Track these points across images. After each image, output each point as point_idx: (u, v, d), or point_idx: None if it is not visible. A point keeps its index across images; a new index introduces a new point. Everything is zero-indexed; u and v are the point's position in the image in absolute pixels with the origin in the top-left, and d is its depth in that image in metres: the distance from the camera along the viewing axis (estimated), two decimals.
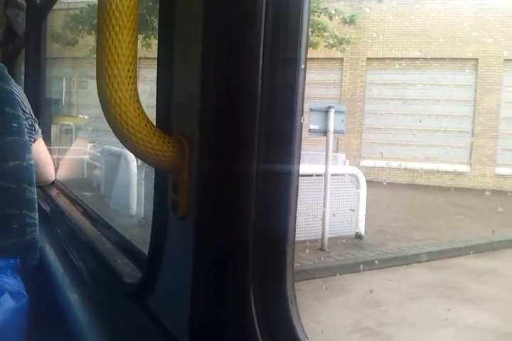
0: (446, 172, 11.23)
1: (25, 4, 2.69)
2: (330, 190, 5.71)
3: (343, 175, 6.12)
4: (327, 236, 5.62)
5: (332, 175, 5.74)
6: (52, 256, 1.35)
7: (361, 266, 5.08)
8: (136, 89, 0.61)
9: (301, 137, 0.62)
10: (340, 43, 10.08)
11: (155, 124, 0.67)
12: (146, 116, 0.63)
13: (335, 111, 5.80)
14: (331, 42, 10.04)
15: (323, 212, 5.55)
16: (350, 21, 10.09)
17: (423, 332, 3.67)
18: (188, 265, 0.66)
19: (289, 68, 0.59)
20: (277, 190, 0.63)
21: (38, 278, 1.28)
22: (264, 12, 0.58)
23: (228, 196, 0.62)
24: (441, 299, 4.46)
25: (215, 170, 0.63)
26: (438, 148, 11.36)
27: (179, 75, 0.68)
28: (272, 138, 0.61)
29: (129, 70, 0.59)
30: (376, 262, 5.22)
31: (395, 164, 10.75)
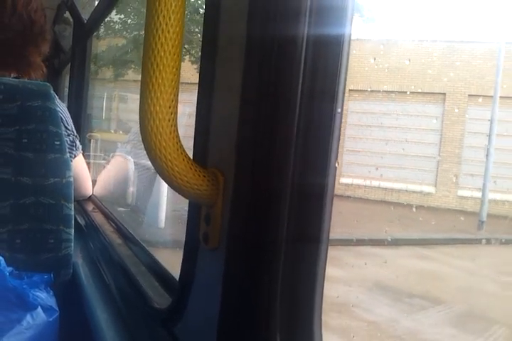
0: (414, 192, 12.78)
1: (72, 21, 2.79)
2: None
3: None
4: None
5: None
6: (84, 272, 1.38)
7: None
8: (176, 125, 0.63)
9: (335, 177, 0.63)
10: None
11: (192, 157, 0.69)
12: (183, 150, 0.64)
13: None
14: None
15: None
16: None
17: None
18: (217, 296, 0.67)
19: (326, 111, 0.60)
20: (310, 228, 0.63)
21: (69, 294, 1.31)
22: (304, 53, 0.59)
23: (260, 231, 0.63)
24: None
25: (247, 205, 0.65)
26: (408, 170, 12.87)
27: (217, 111, 0.70)
28: (305, 176, 0.62)
29: (170, 106, 0.61)
30: None
31: (369, 183, 12.38)
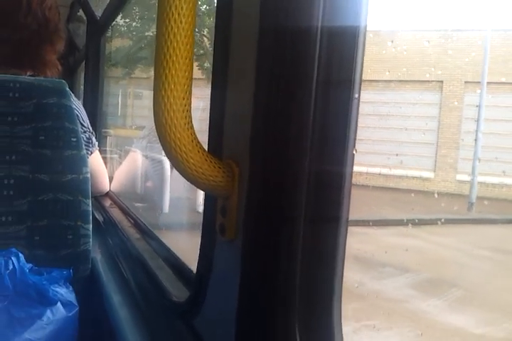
0: (414, 177, 13.06)
1: (85, 18, 2.80)
2: None
3: None
4: None
5: None
6: (103, 267, 1.39)
7: None
8: (190, 117, 0.62)
9: (352, 165, 0.62)
10: None
11: (207, 149, 0.68)
12: (198, 142, 0.64)
13: None
14: None
15: None
16: None
17: None
18: (235, 288, 0.67)
19: (343, 97, 0.59)
20: (327, 218, 0.63)
21: (88, 289, 1.32)
22: (319, 41, 0.58)
23: (276, 221, 0.63)
24: None
25: (263, 196, 0.64)
26: (407, 156, 13.27)
27: (231, 103, 0.70)
28: (322, 166, 0.62)
29: (184, 98, 0.61)
30: None
31: (370, 169, 12.24)
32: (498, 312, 4.96)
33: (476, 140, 9.29)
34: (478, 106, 9.38)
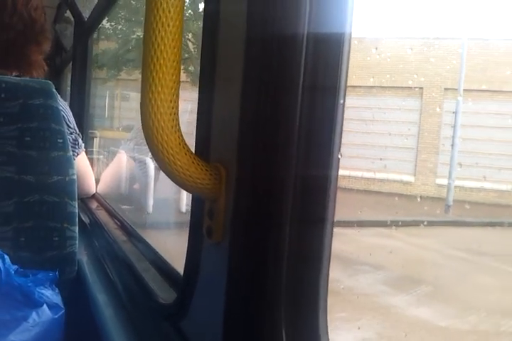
0: (395, 181, 13.60)
1: (73, 19, 2.79)
2: None
3: None
4: None
5: None
6: (89, 269, 1.38)
7: None
8: (177, 119, 0.63)
9: (338, 169, 0.63)
10: None
11: (194, 152, 0.69)
12: (186, 144, 0.64)
13: None
14: None
15: None
16: None
17: None
18: (222, 290, 0.67)
19: (328, 103, 0.60)
20: (313, 221, 0.63)
21: (74, 291, 1.31)
22: (305, 44, 0.59)
23: (263, 224, 0.63)
24: None
25: (250, 198, 0.64)
26: (389, 161, 13.76)
27: (219, 107, 0.70)
28: (308, 169, 0.62)
29: (171, 101, 0.61)
30: None
31: (353, 173, 13.10)
32: (464, 307, 5.24)
33: (452, 145, 9.64)
34: (455, 113, 9.70)
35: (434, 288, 5.77)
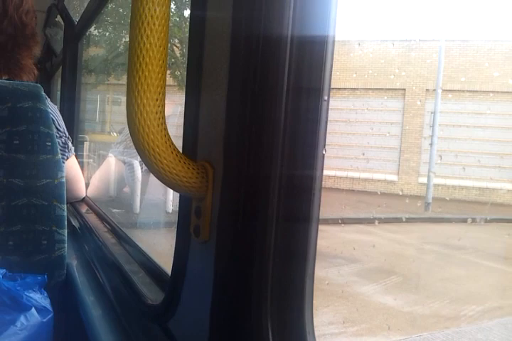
0: (379, 180, 14.03)
1: (63, 24, 2.79)
2: None
3: None
4: None
5: None
6: (78, 272, 1.37)
7: None
8: (163, 118, 0.63)
9: (323, 167, 0.63)
10: None
11: (181, 151, 0.69)
12: (172, 143, 0.64)
13: None
14: None
15: None
16: None
17: None
18: (209, 289, 0.67)
19: (312, 102, 0.60)
20: (299, 219, 0.63)
21: (63, 295, 1.30)
22: (289, 46, 0.60)
23: (249, 223, 0.63)
24: None
25: (237, 197, 0.65)
26: (373, 161, 14.36)
27: (205, 106, 0.70)
28: (294, 166, 0.62)
29: (157, 99, 0.62)
30: None
31: (338, 173, 13.70)
32: (429, 295, 5.66)
33: (430, 144, 9.86)
34: (433, 113, 9.89)
35: (403, 279, 6.17)
